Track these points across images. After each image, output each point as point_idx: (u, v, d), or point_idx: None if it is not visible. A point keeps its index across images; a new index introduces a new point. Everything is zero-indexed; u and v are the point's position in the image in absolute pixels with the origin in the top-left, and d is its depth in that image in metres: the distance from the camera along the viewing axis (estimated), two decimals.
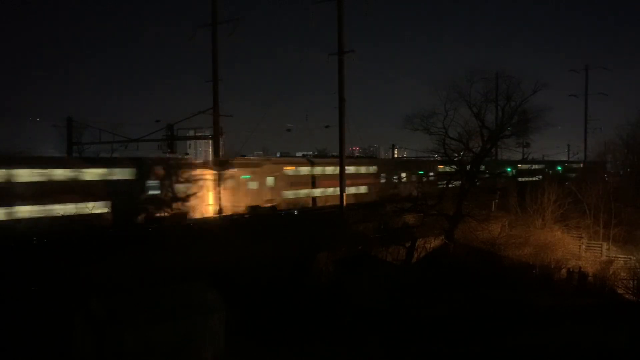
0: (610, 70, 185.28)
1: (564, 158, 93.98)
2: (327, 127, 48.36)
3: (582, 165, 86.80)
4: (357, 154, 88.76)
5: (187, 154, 70.24)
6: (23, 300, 15.99)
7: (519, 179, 57.48)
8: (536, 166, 70.44)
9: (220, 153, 44.41)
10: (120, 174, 31.25)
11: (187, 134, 46.72)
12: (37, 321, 14.59)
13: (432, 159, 47.91)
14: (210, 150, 55.25)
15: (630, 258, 36.31)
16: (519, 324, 20.27)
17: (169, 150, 41.36)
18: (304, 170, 42.34)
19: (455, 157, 37.82)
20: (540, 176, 64.11)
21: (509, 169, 56.06)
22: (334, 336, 17.33)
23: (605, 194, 42.03)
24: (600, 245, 39.79)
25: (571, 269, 32.96)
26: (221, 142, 44.73)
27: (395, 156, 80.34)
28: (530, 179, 60.19)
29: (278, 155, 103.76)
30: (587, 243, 40.28)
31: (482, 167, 49.89)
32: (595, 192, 42.27)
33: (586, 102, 79.63)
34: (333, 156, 50.69)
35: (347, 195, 39.95)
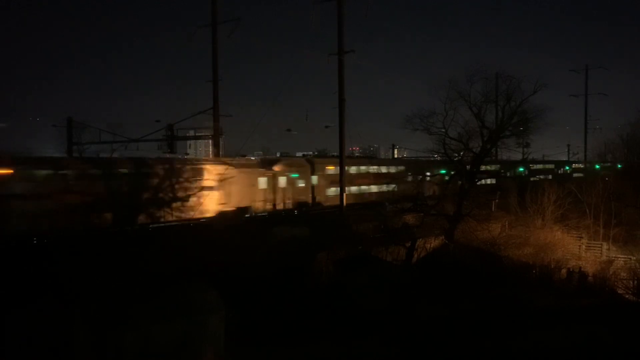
0: (609, 70, 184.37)
1: (559, 158, 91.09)
2: (327, 127, 48.18)
3: (554, 166, 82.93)
4: (357, 154, 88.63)
5: (187, 154, 70.23)
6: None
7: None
8: (488, 167, 51.87)
9: (221, 153, 44.46)
10: None
11: (187, 134, 46.69)
12: (37, 322, 14.55)
13: (317, 155, 39.67)
14: (211, 150, 55.30)
15: (630, 258, 36.27)
16: (519, 324, 20.29)
17: (168, 150, 41.32)
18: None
19: (455, 157, 37.80)
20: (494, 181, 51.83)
21: (443, 171, 43.63)
22: (334, 336, 17.34)
23: (605, 193, 42.04)
24: (600, 245, 39.78)
25: (571, 269, 32.91)
26: (221, 142, 44.86)
27: (395, 156, 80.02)
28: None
29: (278, 155, 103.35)
30: (587, 243, 40.26)
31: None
32: (595, 192, 42.27)
33: (586, 102, 79.53)
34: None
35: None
